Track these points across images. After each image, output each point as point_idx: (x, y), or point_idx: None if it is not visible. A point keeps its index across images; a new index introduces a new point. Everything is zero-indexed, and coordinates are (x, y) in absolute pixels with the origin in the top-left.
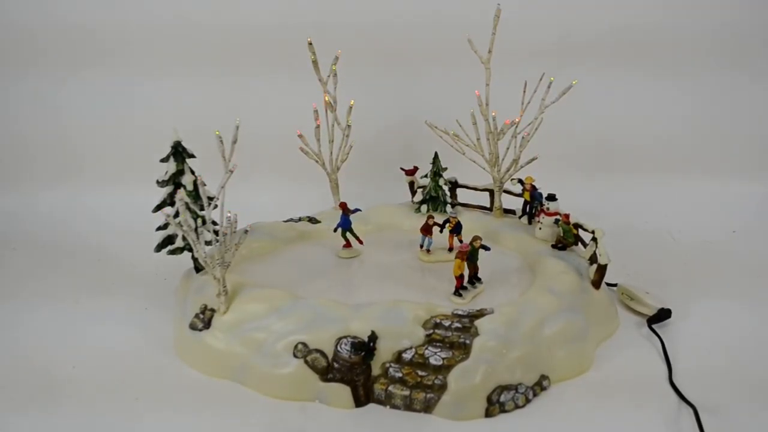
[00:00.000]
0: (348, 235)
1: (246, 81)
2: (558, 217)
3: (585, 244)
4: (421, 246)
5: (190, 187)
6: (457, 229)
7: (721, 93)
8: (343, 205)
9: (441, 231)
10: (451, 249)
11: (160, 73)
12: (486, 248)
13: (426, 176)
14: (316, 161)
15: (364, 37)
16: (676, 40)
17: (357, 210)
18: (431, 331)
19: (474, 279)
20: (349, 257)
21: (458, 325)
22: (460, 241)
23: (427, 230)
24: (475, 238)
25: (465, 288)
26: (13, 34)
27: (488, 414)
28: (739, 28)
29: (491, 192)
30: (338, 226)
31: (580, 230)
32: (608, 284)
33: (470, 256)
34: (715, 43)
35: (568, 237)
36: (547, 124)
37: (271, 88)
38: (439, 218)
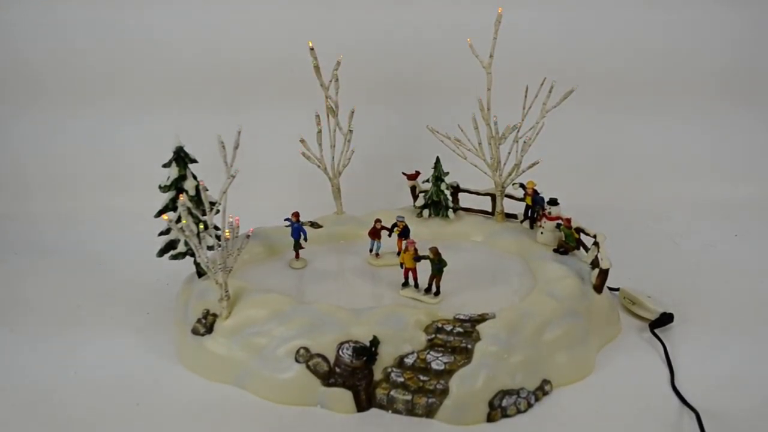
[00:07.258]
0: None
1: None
2: (560, 221)
3: (587, 249)
4: (371, 250)
5: (192, 192)
6: (404, 233)
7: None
8: (295, 215)
9: (390, 235)
10: (399, 253)
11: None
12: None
13: (428, 181)
14: (318, 166)
15: (366, 42)
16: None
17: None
18: (433, 335)
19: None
20: (299, 268)
21: (460, 329)
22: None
23: (375, 234)
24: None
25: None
26: None
27: (490, 419)
28: None
29: (493, 196)
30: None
31: (581, 234)
32: (610, 288)
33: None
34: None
35: (569, 241)
36: (548, 127)
37: (274, 91)
38: (440, 223)
